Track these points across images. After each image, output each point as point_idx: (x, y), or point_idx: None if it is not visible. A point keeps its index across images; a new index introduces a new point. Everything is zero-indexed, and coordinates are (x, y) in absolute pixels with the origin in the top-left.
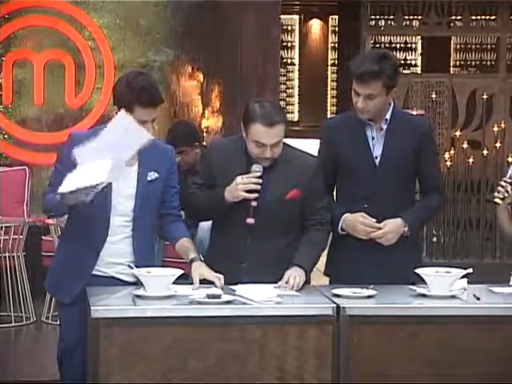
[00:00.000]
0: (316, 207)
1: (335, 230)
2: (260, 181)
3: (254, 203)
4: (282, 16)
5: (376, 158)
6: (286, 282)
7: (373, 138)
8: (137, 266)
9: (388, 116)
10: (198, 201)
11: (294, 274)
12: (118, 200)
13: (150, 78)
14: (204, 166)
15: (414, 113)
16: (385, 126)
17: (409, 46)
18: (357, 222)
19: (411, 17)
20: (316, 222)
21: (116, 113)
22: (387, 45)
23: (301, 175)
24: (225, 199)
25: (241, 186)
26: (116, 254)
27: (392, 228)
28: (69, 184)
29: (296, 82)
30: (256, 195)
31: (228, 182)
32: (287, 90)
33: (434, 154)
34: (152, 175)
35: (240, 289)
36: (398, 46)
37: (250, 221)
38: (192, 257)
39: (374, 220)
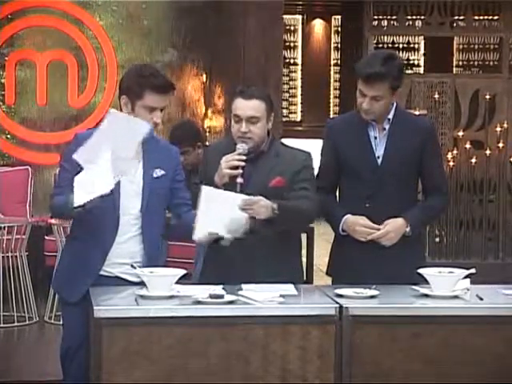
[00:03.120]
0: (295, 188)
1: (337, 230)
2: (244, 157)
3: (239, 180)
4: (284, 16)
5: (378, 157)
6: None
7: (375, 138)
8: (144, 266)
9: (390, 116)
10: (196, 197)
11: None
12: (124, 199)
13: (159, 68)
14: (202, 166)
15: (417, 113)
16: (387, 126)
17: (412, 46)
18: (357, 224)
19: (414, 17)
20: (296, 198)
21: (125, 103)
22: (390, 45)
23: (287, 166)
24: (215, 184)
25: (224, 164)
26: (122, 254)
27: (393, 227)
28: (80, 194)
29: (299, 82)
30: (240, 171)
31: None
32: (290, 90)
33: (437, 154)
34: (158, 172)
35: (244, 289)
36: (400, 46)
37: None
38: None
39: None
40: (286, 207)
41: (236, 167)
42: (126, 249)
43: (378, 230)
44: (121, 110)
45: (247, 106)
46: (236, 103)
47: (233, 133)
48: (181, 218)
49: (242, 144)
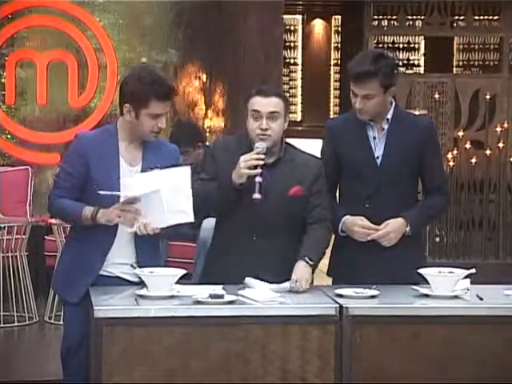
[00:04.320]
0: (313, 204)
1: (336, 231)
2: (262, 157)
3: (258, 179)
4: (284, 16)
5: (377, 157)
6: (295, 281)
7: (374, 138)
8: (142, 266)
9: (389, 116)
10: (206, 190)
11: (303, 278)
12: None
13: (158, 71)
14: (209, 162)
15: (417, 113)
16: (386, 126)
17: (412, 46)
18: (355, 225)
19: (414, 17)
20: (314, 220)
21: (128, 111)
22: (390, 45)
23: (303, 173)
24: (232, 182)
25: (243, 164)
26: (122, 254)
27: (393, 228)
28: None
29: (299, 82)
30: (259, 171)
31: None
32: (290, 90)
33: (437, 153)
34: None
35: (246, 282)
36: (400, 46)
37: (257, 196)
38: None
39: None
40: (320, 254)
41: (255, 166)
42: (125, 249)
43: (377, 230)
44: (122, 115)
45: (267, 102)
46: (254, 101)
47: (250, 130)
48: None
49: (261, 142)
